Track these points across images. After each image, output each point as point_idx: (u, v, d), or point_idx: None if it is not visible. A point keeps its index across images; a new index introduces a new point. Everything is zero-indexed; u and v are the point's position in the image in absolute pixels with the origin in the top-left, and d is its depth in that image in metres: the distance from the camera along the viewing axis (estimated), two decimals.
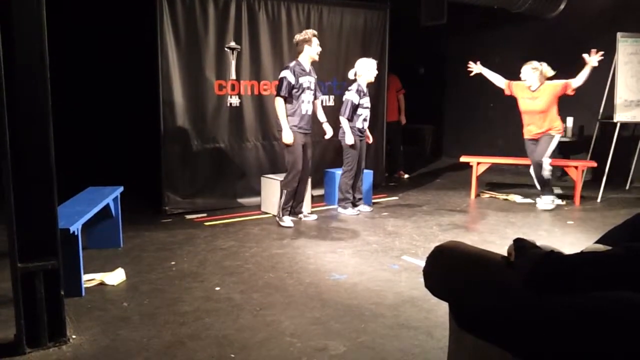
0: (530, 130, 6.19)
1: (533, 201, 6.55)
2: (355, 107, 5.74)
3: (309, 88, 5.32)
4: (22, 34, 2.66)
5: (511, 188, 7.34)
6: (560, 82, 6.01)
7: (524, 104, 6.18)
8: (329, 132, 5.66)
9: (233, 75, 6.06)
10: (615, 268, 1.51)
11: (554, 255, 1.61)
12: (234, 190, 6.26)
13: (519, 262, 1.76)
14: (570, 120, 7.69)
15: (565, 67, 8.06)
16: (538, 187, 6.32)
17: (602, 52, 5.85)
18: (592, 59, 5.84)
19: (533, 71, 6.01)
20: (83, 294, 3.59)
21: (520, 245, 1.80)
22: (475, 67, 6.37)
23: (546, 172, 6.07)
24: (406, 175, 8.29)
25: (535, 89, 6.04)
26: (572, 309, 1.58)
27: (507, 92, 6.31)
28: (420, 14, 8.94)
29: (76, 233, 3.46)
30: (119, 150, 7.49)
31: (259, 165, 6.37)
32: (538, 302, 1.65)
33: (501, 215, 5.92)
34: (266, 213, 5.93)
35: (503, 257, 1.90)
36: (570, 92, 6.00)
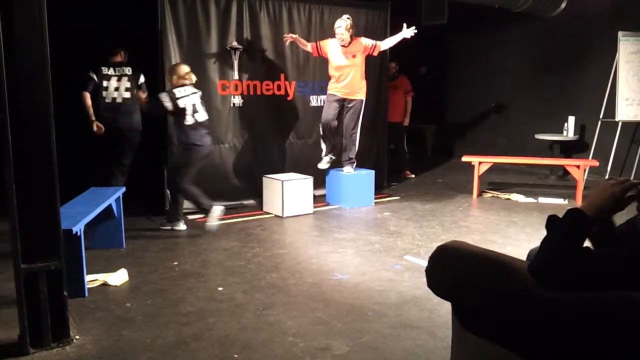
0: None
1: (535, 200, 6.55)
2: None
3: None
4: (24, 36, 2.67)
5: (513, 187, 7.34)
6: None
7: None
8: None
9: (236, 76, 6.06)
10: (617, 267, 1.51)
11: (562, 254, 1.60)
12: (237, 190, 6.26)
13: (537, 253, 1.73)
14: (571, 120, 7.69)
15: (566, 66, 8.09)
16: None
17: (413, 27, 6.06)
18: (407, 31, 6.06)
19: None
20: (86, 294, 3.60)
21: (550, 224, 1.65)
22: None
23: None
24: (412, 175, 8.29)
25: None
26: (575, 309, 1.58)
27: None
28: (421, 13, 8.95)
29: (79, 234, 3.47)
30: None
31: (262, 166, 6.37)
32: (541, 302, 1.65)
33: (503, 215, 5.91)
34: (268, 213, 5.94)
35: (500, 256, 1.90)
36: (376, 53, 6.23)
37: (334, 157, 6.34)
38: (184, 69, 5.13)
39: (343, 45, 6.01)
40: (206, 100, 5.90)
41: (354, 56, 6.06)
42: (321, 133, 6.30)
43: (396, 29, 6.79)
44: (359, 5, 6.92)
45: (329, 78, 6.24)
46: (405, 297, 3.61)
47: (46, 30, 2.71)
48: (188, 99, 5.05)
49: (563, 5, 8.02)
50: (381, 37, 7.05)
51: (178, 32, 5.65)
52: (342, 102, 6.18)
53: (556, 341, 1.63)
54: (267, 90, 6.31)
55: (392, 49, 6.74)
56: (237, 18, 5.98)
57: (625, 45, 6.77)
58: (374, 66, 7.03)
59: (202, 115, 5.18)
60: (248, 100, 6.19)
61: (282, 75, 6.34)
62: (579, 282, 1.55)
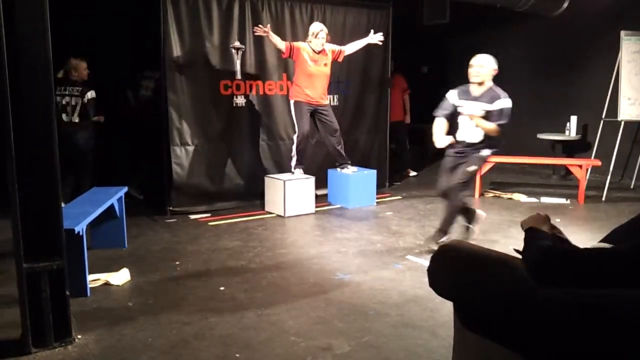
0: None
1: (537, 200, 6.54)
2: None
3: None
4: (27, 36, 2.67)
5: (515, 187, 7.33)
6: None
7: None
8: None
9: (238, 75, 6.06)
10: (620, 266, 1.51)
11: (559, 248, 1.61)
12: (239, 190, 6.26)
13: (527, 253, 1.76)
14: (574, 119, 7.68)
15: (568, 66, 8.08)
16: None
17: (381, 33, 6.07)
18: (374, 37, 6.03)
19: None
20: (88, 294, 3.61)
21: (530, 236, 1.80)
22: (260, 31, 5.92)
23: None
24: (413, 173, 8.33)
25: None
26: (577, 308, 1.58)
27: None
28: (423, 13, 8.93)
29: (81, 233, 3.47)
30: (124, 150, 7.50)
31: (265, 165, 6.37)
32: (543, 301, 1.65)
33: (505, 215, 5.91)
34: (270, 213, 5.94)
35: (503, 255, 1.90)
36: (340, 59, 6.10)
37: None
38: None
39: (315, 52, 5.82)
40: (208, 100, 5.92)
41: (325, 64, 5.91)
42: (297, 146, 5.94)
43: (399, 28, 6.79)
44: (361, 6, 6.91)
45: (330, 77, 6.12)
46: (407, 297, 3.61)
47: (48, 29, 2.71)
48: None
49: (565, 5, 8.00)
50: (383, 37, 7.04)
51: (180, 31, 5.65)
52: (314, 110, 5.95)
53: (558, 341, 1.62)
54: (270, 90, 6.31)
55: (386, 47, 6.69)
56: (239, 18, 5.98)
57: (628, 44, 6.75)
58: (375, 66, 7.02)
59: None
60: (250, 100, 6.19)
61: (284, 75, 6.33)
62: (578, 278, 1.54)
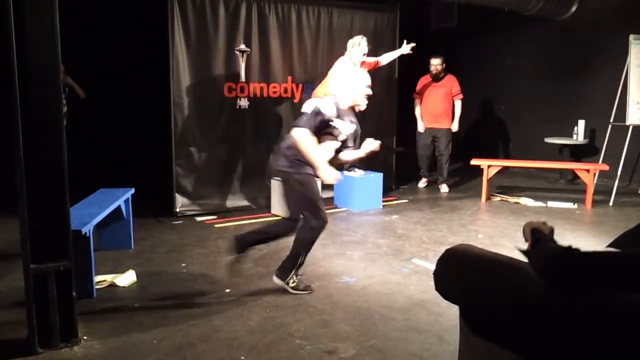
0: None
1: (544, 204, 6.51)
2: None
3: None
4: (35, 40, 2.69)
5: (522, 191, 7.30)
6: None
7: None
8: None
9: (242, 78, 6.08)
10: (632, 269, 1.49)
11: (573, 250, 1.60)
12: (244, 192, 6.27)
13: (534, 252, 1.74)
14: (582, 123, 7.64)
15: (576, 70, 8.05)
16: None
17: (413, 44, 6.11)
18: (406, 47, 6.11)
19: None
20: (94, 295, 3.62)
21: (538, 236, 1.78)
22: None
23: None
24: (445, 189, 7.41)
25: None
26: (586, 314, 1.57)
27: None
28: (431, 16, 8.92)
29: (88, 234, 3.49)
30: (131, 152, 7.54)
31: (268, 168, 6.38)
32: (551, 305, 1.64)
33: (512, 219, 5.88)
34: (276, 215, 5.94)
35: (510, 259, 1.89)
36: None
37: None
38: None
39: (355, 66, 5.85)
40: (212, 102, 5.93)
41: None
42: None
43: (405, 33, 6.79)
44: (368, 9, 6.91)
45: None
46: (413, 301, 3.59)
47: (58, 36, 2.72)
48: None
49: (574, 9, 7.98)
50: (390, 40, 7.06)
51: (187, 33, 5.67)
52: None
53: (566, 346, 1.61)
54: (274, 92, 6.32)
55: (393, 50, 6.67)
56: (245, 21, 6.00)
57: (637, 48, 6.71)
58: (382, 69, 7.00)
59: None
60: (254, 103, 6.20)
61: (289, 78, 6.34)
62: (592, 281, 1.53)
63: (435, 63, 7.28)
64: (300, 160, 3.53)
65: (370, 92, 3.81)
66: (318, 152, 3.49)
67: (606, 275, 1.52)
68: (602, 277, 1.52)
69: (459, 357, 2.17)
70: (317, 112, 3.54)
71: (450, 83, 7.30)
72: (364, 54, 5.85)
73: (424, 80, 7.46)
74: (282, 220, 4.05)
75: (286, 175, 3.65)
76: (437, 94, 7.31)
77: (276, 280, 3.73)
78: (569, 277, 1.56)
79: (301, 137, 3.47)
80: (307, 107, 3.85)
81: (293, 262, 3.69)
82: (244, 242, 3.79)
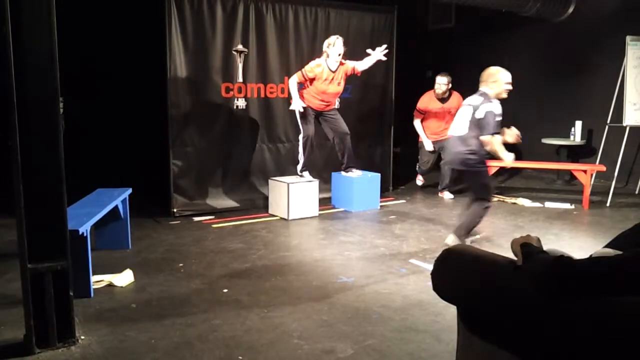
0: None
1: (542, 205, 6.52)
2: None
3: None
4: (33, 36, 2.69)
5: (520, 192, 7.31)
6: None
7: None
8: None
9: (240, 78, 6.08)
10: (627, 273, 1.50)
11: (565, 260, 1.60)
12: (242, 192, 6.27)
13: (527, 267, 1.75)
14: (578, 124, 7.66)
15: (574, 71, 8.07)
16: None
17: (385, 46, 5.94)
18: (379, 53, 5.89)
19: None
20: (92, 295, 3.61)
21: (528, 250, 1.79)
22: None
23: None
24: (449, 195, 7.10)
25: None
26: (583, 314, 1.58)
27: None
28: (428, 17, 8.93)
29: (85, 234, 3.48)
30: (128, 152, 7.53)
31: (266, 168, 6.39)
32: (547, 306, 1.64)
33: (509, 219, 5.89)
34: (274, 215, 5.94)
35: (510, 261, 1.89)
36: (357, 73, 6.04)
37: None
38: None
39: (331, 71, 5.80)
40: (209, 102, 5.94)
41: (338, 83, 5.90)
42: (303, 148, 5.95)
43: (402, 34, 6.79)
44: (366, 10, 6.92)
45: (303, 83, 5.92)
46: (411, 301, 3.60)
47: (55, 32, 2.72)
48: None
49: (571, 10, 8.00)
50: (387, 41, 7.01)
51: (184, 34, 5.68)
52: (318, 113, 6.02)
53: (563, 347, 1.62)
54: (271, 92, 6.32)
55: (390, 50, 6.57)
56: (243, 21, 6.00)
57: (634, 49, 6.73)
58: (379, 71, 6.99)
59: None
60: (251, 103, 6.21)
61: (286, 78, 6.35)
62: (586, 288, 1.54)
63: (441, 82, 7.06)
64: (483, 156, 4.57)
65: (510, 87, 4.71)
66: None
67: (601, 282, 1.52)
68: (597, 284, 1.53)
69: (456, 357, 2.17)
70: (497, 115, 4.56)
71: (457, 102, 6.88)
72: (339, 54, 5.74)
73: (427, 99, 7.25)
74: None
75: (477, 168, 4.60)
76: (444, 114, 7.15)
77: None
78: (564, 287, 1.56)
79: (493, 141, 4.54)
80: (482, 113, 4.58)
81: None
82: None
